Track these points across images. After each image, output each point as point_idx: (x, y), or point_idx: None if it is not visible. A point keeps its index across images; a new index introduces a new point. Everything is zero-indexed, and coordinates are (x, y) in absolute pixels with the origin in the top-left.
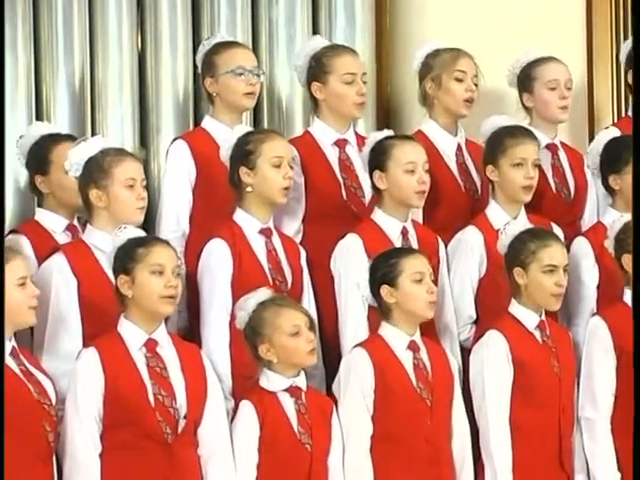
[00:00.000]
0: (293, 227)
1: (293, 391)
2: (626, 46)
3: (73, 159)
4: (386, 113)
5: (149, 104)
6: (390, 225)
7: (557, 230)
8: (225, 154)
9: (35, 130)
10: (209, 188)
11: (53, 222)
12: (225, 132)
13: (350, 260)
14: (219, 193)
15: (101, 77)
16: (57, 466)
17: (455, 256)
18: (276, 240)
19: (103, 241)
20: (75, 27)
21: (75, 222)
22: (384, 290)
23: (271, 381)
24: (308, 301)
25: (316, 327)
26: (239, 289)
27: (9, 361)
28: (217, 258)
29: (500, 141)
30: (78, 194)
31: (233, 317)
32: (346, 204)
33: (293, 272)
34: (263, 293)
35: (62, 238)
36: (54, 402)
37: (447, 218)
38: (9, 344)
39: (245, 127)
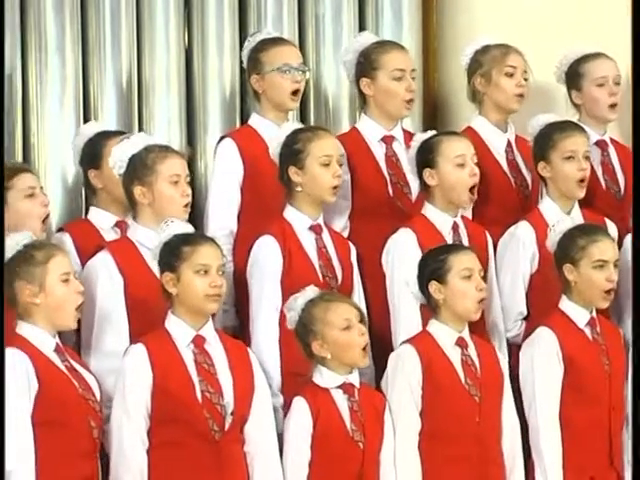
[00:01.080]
0: (339, 223)
1: (346, 388)
2: None
3: (117, 156)
4: (433, 110)
5: (196, 102)
6: (441, 220)
7: (611, 226)
8: (274, 152)
9: (89, 129)
10: (256, 186)
11: (102, 219)
12: (272, 129)
13: (404, 255)
14: (266, 190)
15: (148, 75)
16: (104, 462)
17: (507, 251)
18: (326, 237)
19: (148, 238)
20: (122, 26)
21: (127, 219)
22: (432, 286)
23: (325, 378)
24: (358, 298)
25: (366, 320)
26: (289, 286)
27: (53, 357)
28: (267, 255)
29: (549, 136)
30: None
31: (283, 314)
32: (392, 200)
33: (343, 269)
34: (311, 291)
35: (110, 235)
36: (99, 398)
37: (497, 214)
38: (53, 340)
39: (294, 124)
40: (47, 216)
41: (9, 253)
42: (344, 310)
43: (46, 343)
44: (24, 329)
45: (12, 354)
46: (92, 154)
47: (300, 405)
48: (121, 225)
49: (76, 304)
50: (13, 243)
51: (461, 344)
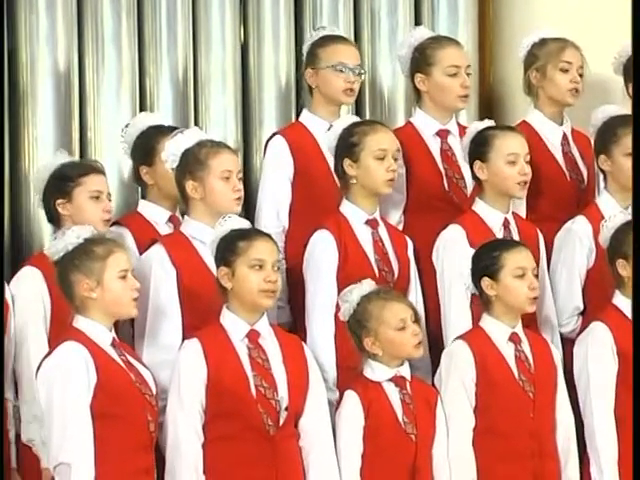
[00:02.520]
0: (394, 218)
1: (398, 381)
2: None
3: (170, 150)
4: (489, 103)
5: (252, 96)
6: (492, 216)
7: None
8: (330, 145)
9: (141, 121)
10: (307, 182)
11: (156, 214)
12: (322, 126)
13: (453, 251)
14: (317, 187)
15: (204, 70)
16: (160, 456)
17: (563, 246)
18: (383, 231)
19: (200, 232)
20: (179, 20)
21: (177, 214)
22: (485, 282)
23: (375, 371)
24: (415, 292)
25: (421, 319)
26: (344, 280)
27: (110, 351)
28: (323, 249)
29: (613, 131)
30: None
31: (338, 308)
32: (448, 194)
33: (400, 263)
34: (367, 285)
35: (164, 230)
36: (154, 392)
37: (552, 208)
38: (109, 335)
39: (350, 117)
40: (107, 221)
41: (69, 246)
42: (400, 310)
43: (103, 337)
44: (81, 323)
45: (71, 347)
46: (144, 150)
47: (351, 398)
48: (174, 220)
49: (132, 299)
50: (74, 236)
51: (514, 340)
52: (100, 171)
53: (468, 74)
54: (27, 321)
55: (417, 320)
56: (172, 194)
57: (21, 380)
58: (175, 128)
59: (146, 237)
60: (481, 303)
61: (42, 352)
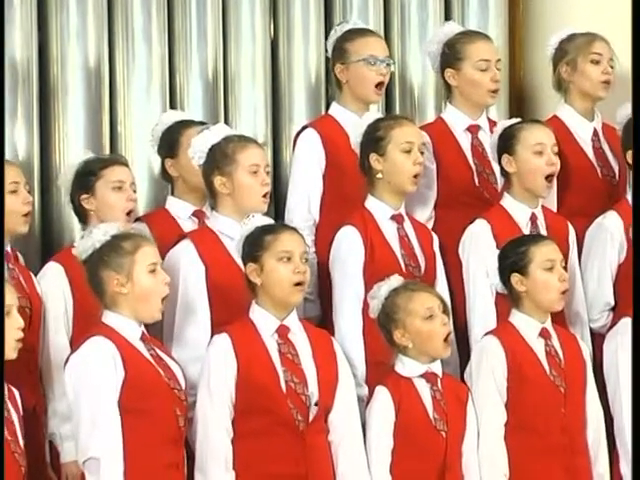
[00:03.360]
0: (425, 213)
1: (429, 377)
2: None
3: (196, 146)
4: (519, 99)
5: (282, 91)
6: (519, 211)
7: None
8: (355, 140)
9: (168, 117)
10: (338, 176)
11: (180, 209)
12: (352, 119)
13: (479, 246)
14: (347, 181)
15: (234, 65)
16: (190, 451)
17: (594, 241)
18: (408, 226)
19: (228, 227)
20: (208, 16)
21: (205, 208)
22: (514, 278)
23: (406, 367)
24: (441, 287)
25: (449, 311)
26: (371, 276)
27: (139, 345)
28: (348, 245)
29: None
30: None
31: (366, 304)
32: (478, 190)
33: (426, 258)
34: (395, 280)
35: (188, 224)
36: (184, 387)
37: (583, 203)
38: (139, 329)
39: (375, 113)
40: (132, 211)
41: (97, 243)
42: (427, 299)
43: (132, 332)
44: (110, 318)
45: (99, 342)
46: (169, 142)
47: (382, 394)
48: (199, 214)
49: (162, 295)
50: (101, 233)
51: (545, 335)
52: (121, 162)
53: (498, 69)
54: (48, 317)
55: (445, 311)
56: (197, 186)
57: (43, 376)
58: (201, 122)
59: (166, 233)
60: (510, 300)
61: (61, 348)
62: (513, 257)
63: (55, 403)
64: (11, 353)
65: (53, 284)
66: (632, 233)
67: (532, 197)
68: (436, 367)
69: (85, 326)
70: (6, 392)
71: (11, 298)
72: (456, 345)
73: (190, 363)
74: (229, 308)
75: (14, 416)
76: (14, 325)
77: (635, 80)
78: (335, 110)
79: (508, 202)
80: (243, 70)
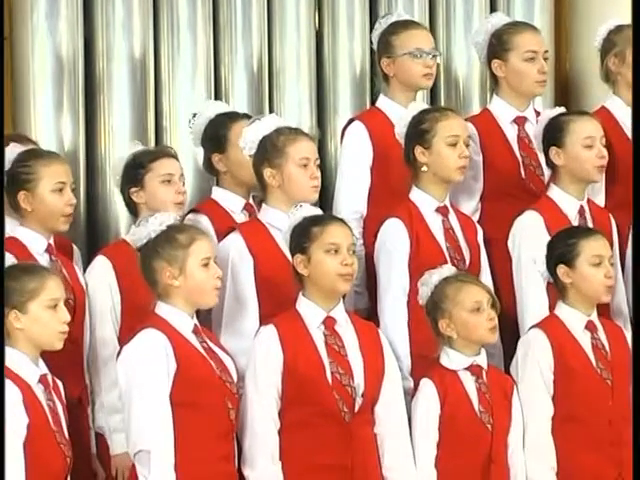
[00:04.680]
0: (471, 205)
1: (474, 370)
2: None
3: (248, 137)
4: (565, 90)
5: (326, 84)
6: (567, 203)
7: None
8: (400, 132)
9: (209, 109)
10: (385, 168)
11: (231, 201)
12: (400, 112)
13: (530, 237)
14: (394, 173)
15: (279, 57)
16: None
17: None
18: (453, 218)
19: (278, 219)
20: (253, 8)
21: (251, 201)
22: (561, 269)
23: (452, 359)
24: (485, 279)
25: (498, 305)
26: (416, 268)
27: (191, 338)
28: (394, 237)
29: None
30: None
31: (411, 297)
32: (525, 182)
33: (471, 250)
34: (447, 269)
35: (240, 218)
36: (235, 380)
37: (628, 195)
38: (191, 322)
39: (421, 104)
40: (181, 203)
41: (152, 233)
42: (476, 292)
43: (184, 324)
44: (163, 309)
45: (151, 334)
46: (216, 137)
47: (427, 387)
48: (249, 208)
49: (215, 287)
50: (157, 223)
51: (590, 328)
52: (170, 155)
53: (545, 59)
54: (94, 311)
55: (494, 306)
56: (245, 181)
57: (89, 368)
58: (246, 115)
59: (223, 225)
60: (556, 290)
61: (107, 342)
62: (562, 248)
63: (102, 396)
64: (56, 343)
65: (100, 278)
66: (632, 233)
67: (580, 189)
68: (481, 360)
69: (134, 319)
70: (50, 383)
71: (58, 291)
72: (500, 338)
73: (240, 354)
74: (277, 300)
75: (59, 407)
76: (61, 318)
77: (635, 79)
78: (382, 103)
79: (556, 194)
80: (288, 62)
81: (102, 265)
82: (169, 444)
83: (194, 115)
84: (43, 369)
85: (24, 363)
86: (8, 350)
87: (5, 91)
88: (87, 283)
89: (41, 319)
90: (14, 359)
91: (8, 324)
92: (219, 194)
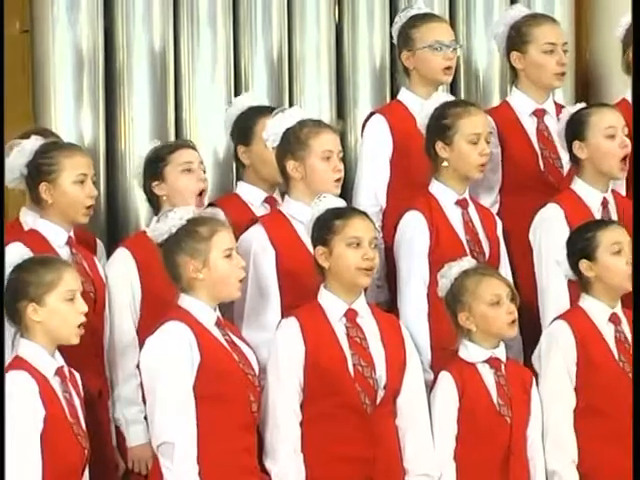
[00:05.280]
0: (489, 198)
1: (493, 362)
2: None
3: (271, 129)
4: (585, 82)
5: (346, 76)
6: (590, 196)
7: None
8: (421, 122)
9: (241, 102)
10: (405, 161)
11: (252, 195)
12: (421, 105)
13: (551, 230)
14: (414, 166)
15: (299, 50)
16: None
17: None
18: (472, 211)
19: (300, 212)
20: (274, 1)
21: (275, 194)
22: (583, 265)
23: (470, 352)
24: (505, 272)
25: (517, 299)
26: (436, 261)
27: (214, 330)
28: (414, 230)
29: None
30: (276, 170)
31: (431, 289)
32: (544, 175)
33: (490, 243)
34: (467, 262)
35: (260, 211)
36: (257, 372)
37: None
38: (214, 314)
39: (443, 95)
40: (203, 191)
41: (173, 228)
42: (495, 286)
43: (207, 317)
44: (186, 302)
45: (175, 326)
46: (243, 130)
47: (446, 380)
48: (270, 201)
49: (239, 278)
50: (177, 217)
51: (614, 320)
52: (188, 146)
53: (565, 51)
54: (114, 303)
55: (514, 299)
56: (268, 177)
57: (108, 360)
58: (274, 108)
59: (241, 218)
60: (580, 286)
61: (126, 334)
62: (580, 244)
63: (120, 387)
64: (73, 338)
65: (121, 270)
66: (632, 233)
67: (603, 181)
68: (500, 353)
69: (153, 311)
70: (67, 374)
71: (75, 283)
72: (519, 330)
73: (261, 346)
74: (299, 292)
75: (75, 399)
76: (78, 310)
77: (635, 79)
78: (404, 96)
79: (579, 186)
80: (308, 55)
81: (123, 257)
82: (192, 436)
83: (229, 105)
84: (60, 361)
85: (41, 355)
86: (25, 342)
87: (26, 84)
88: (107, 275)
89: (59, 311)
90: (31, 351)
91: (26, 317)
92: (242, 187)
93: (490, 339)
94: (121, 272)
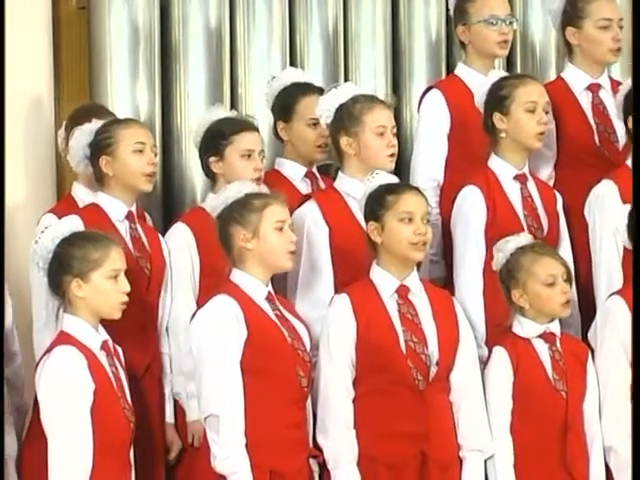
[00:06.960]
0: (545, 173)
1: (547, 337)
2: None
3: (324, 106)
4: None
5: (402, 51)
6: None
7: None
8: (479, 100)
9: (286, 76)
10: (463, 136)
11: (293, 169)
12: (478, 79)
13: (605, 206)
14: (472, 140)
15: (354, 25)
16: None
17: None
18: (531, 186)
19: (354, 188)
20: None
21: (314, 169)
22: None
23: (524, 327)
24: (565, 248)
25: (572, 278)
26: (493, 236)
27: (264, 305)
28: (471, 205)
29: None
30: (315, 148)
31: (487, 265)
32: (599, 150)
33: (549, 219)
34: (524, 238)
35: (302, 186)
36: (308, 348)
37: None
38: (265, 289)
39: (499, 72)
40: (259, 178)
41: (229, 200)
42: (551, 266)
43: (258, 291)
44: (237, 276)
45: (223, 301)
46: (283, 106)
47: (500, 355)
48: (310, 175)
49: (288, 250)
50: (235, 190)
51: None
52: (253, 128)
53: (620, 27)
54: (174, 277)
55: (569, 279)
56: (305, 154)
57: (169, 334)
58: (319, 88)
59: (286, 193)
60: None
61: (187, 307)
62: None
63: (181, 361)
64: (115, 313)
65: (180, 244)
66: (633, 232)
67: None
68: (554, 327)
69: (212, 285)
70: (112, 348)
71: (121, 262)
72: (578, 307)
73: (314, 322)
74: (352, 268)
75: (121, 372)
76: (121, 289)
77: (635, 79)
78: (461, 70)
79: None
80: (363, 30)
81: (182, 232)
82: (238, 409)
83: (273, 77)
84: (104, 335)
85: (86, 330)
86: (69, 317)
87: (82, 60)
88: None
89: (103, 289)
90: (76, 326)
91: (69, 292)
92: (282, 162)
93: (543, 316)
94: (181, 246)
